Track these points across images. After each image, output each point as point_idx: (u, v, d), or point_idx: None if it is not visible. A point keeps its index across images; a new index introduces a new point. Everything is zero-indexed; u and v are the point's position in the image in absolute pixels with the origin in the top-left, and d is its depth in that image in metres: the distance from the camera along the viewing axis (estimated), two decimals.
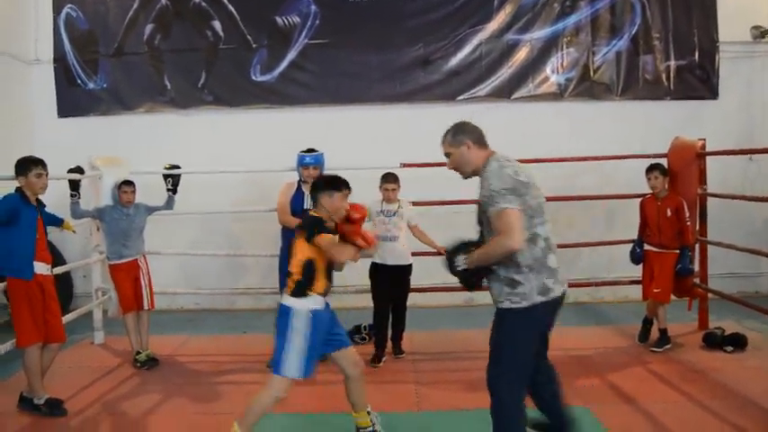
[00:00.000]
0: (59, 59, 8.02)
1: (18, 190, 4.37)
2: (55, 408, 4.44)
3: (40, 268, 4.45)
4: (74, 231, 5.46)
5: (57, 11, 8.00)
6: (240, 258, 7.67)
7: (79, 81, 8.02)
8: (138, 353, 5.56)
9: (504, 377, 3.21)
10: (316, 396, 4.65)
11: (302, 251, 3.56)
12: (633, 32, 7.81)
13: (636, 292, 6.27)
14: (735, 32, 7.80)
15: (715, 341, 5.61)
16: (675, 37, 7.81)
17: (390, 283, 5.50)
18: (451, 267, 3.34)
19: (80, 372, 5.43)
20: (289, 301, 3.59)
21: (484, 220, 3.26)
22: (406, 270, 5.57)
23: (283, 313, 3.58)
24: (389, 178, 5.56)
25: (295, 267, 3.57)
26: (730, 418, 4.10)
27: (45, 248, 4.53)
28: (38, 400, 4.45)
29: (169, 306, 7.70)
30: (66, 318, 5.26)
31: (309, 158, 5.36)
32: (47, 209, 4.76)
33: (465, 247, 3.32)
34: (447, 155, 3.45)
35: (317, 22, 7.82)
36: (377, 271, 5.53)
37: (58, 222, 5.13)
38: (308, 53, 7.85)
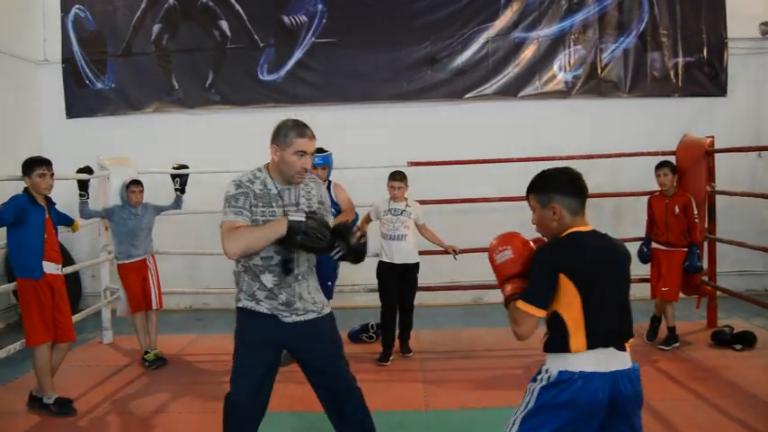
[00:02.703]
0: (68, 60, 8.06)
1: (26, 190, 4.40)
2: (64, 407, 4.46)
3: (50, 268, 4.47)
4: (72, 231, 5.49)
5: (65, 11, 8.02)
6: None
7: (87, 81, 8.06)
8: (147, 352, 5.57)
9: None
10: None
11: None
12: (641, 29, 7.77)
13: (643, 290, 6.24)
14: (743, 29, 7.75)
15: (724, 339, 5.58)
16: (684, 34, 7.76)
17: (398, 282, 5.50)
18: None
19: (89, 371, 5.46)
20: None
21: None
22: (413, 268, 5.56)
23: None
24: (397, 177, 5.55)
25: None
26: (739, 417, 4.08)
27: (55, 248, 4.55)
28: (47, 399, 4.47)
29: (177, 305, 7.73)
30: (75, 317, 5.28)
31: (318, 158, 5.33)
32: (59, 209, 4.79)
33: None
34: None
35: (324, 21, 7.83)
36: (384, 269, 5.53)
37: (69, 222, 5.16)
38: (315, 52, 7.85)
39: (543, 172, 2.51)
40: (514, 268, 2.44)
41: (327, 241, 2.82)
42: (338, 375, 3.09)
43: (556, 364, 2.33)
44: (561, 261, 2.32)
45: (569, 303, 2.29)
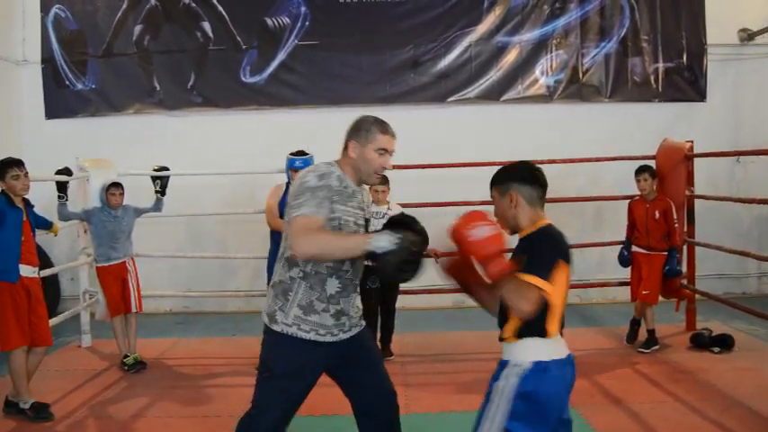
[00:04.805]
0: (47, 60, 7.96)
1: (2, 192, 4.34)
2: (41, 412, 4.39)
3: (26, 271, 4.40)
4: (55, 234, 5.45)
5: (45, 11, 7.92)
6: (229, 261, 7.64)
7: (67, 82, 7.97)
8: (126, 356, 5.51)
9: None
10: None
11: None
12: (622, 35, 7.85)
13: (624, 293, 6.30)
14: (723, 35, 7.86)
15: (702, 342, 5.63)
16: (664, 39, 7.85)
17: (379, 285, 5.49)
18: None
19: (67, 375, 5.39)
20: None
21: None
22: None
23: None
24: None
25: None
26: (717, 419, 4.12)
27: (32, 251, 4.50)
28: (23, 404, 4.40)
29: (157, 309, 7.67)
30: (53, 321, 5.22)
31: (299, 161, 5.34)
32: (37, 211, 4.73)
33: None
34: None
35: (307, 23, 7.81)
36: (366, 272, 5.50)
37: (47, 225, 5.11)
38: (298, 54, 7.83)
39: (504, 165, 2.60)
40: (501, 243, 2.25)
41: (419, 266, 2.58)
42: (381, 390, 3.01)
43: (526, 354, 2.34)
44: (561, 247, 2.37)
45: (558, 288, 2.30)
